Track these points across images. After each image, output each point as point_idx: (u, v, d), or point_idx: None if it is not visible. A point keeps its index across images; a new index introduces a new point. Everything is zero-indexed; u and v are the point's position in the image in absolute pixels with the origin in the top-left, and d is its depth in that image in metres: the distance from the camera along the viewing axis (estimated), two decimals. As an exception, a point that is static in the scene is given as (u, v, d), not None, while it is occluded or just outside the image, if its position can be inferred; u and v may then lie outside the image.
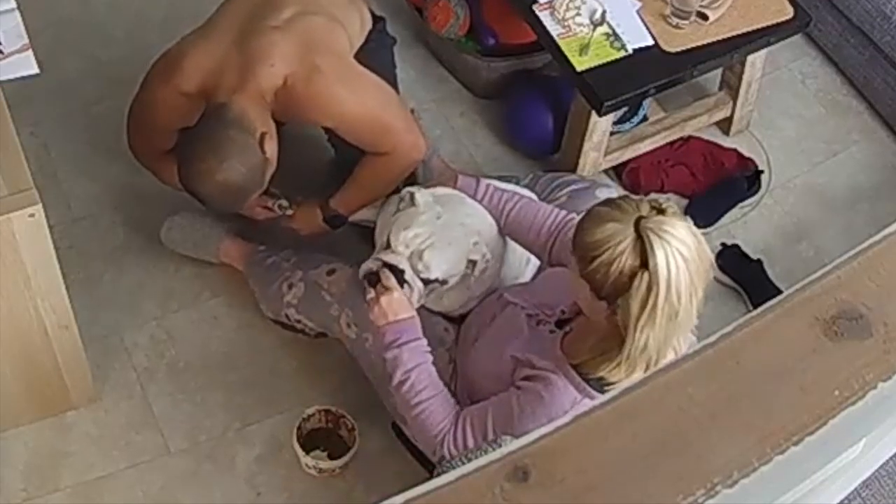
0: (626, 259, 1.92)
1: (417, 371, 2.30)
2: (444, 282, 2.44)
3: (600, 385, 2.07)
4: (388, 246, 2.43)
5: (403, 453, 2.56)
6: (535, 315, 2.27)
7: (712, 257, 2.01)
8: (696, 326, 2.15)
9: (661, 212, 1.96)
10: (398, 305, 2.33)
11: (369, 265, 2.42)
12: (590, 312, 2.07)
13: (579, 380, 2.10)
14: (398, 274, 2.38)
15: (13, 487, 2.56)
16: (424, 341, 2.34)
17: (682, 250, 1.92)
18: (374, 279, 2.37)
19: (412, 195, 2.46)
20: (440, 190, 2.54)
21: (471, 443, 2.21)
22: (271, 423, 2.70)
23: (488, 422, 2.20)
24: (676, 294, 1.92)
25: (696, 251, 1.94)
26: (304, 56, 2.47)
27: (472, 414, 2.25)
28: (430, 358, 2.33)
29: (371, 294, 2.35)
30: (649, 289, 1.91)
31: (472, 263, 2.43)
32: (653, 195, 3.09)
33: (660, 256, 1.90)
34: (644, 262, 1.91)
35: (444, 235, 2.41)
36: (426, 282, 2.41)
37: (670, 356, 2.00)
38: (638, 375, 1.99)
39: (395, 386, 2.31)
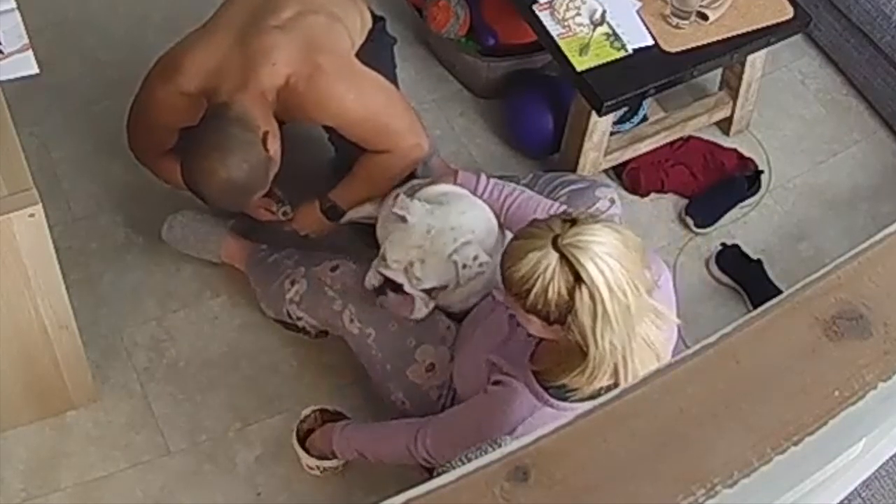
0: (559, 280, 1.91)
1: (361, 448, 2.45)
2: (443, 287, 2.47)
3: (562, 392, 2.06)
4: (385, 259, 2.49)
5: (403, 453, 2.56)
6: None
7: (638, 239, 1.99)
8: (682, 319, 2.16)
9: (573, 222, 1.95)
10: (321, 443, 2.52)
11: (371, 280, 2.51)
12: (548, 336, 2.06)
13: (539, 388, 2.10)
14: (397, 287, 2.46)
15: (13, 487, 2.56)
16: (337, 430, 2.48)
17: (607, 251, 1.91)
18: (380, 291, 2.49)
19: (404, 217, 2.47)
20: (441, 187, 2.55)
21: (431, 445, 2.29)
22: (271, 423, 2.70)
23: (452, 429, 2.26)
24: (621, 291, 1.91)
25: (622, 243, 1.93)
26: (306, 55, 2.47)
27: (434, 423, 2.33)
28: (351, 427, 2.50)
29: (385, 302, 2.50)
30: (592, 299, 1.90)
31: (463, 266, 2.45)
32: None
33: (589, 267, 1.89)
34: (577, 276, 1.90)
35: (434, 246, 2.44)
36: (426, 290, 2.47)
37: (643, 350, 1.99)
38: (604, 380, 1.98)
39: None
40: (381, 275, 2.49)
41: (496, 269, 2.55)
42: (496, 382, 2.19)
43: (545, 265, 1.92)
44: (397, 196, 2.54)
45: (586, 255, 1.90)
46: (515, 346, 2.21)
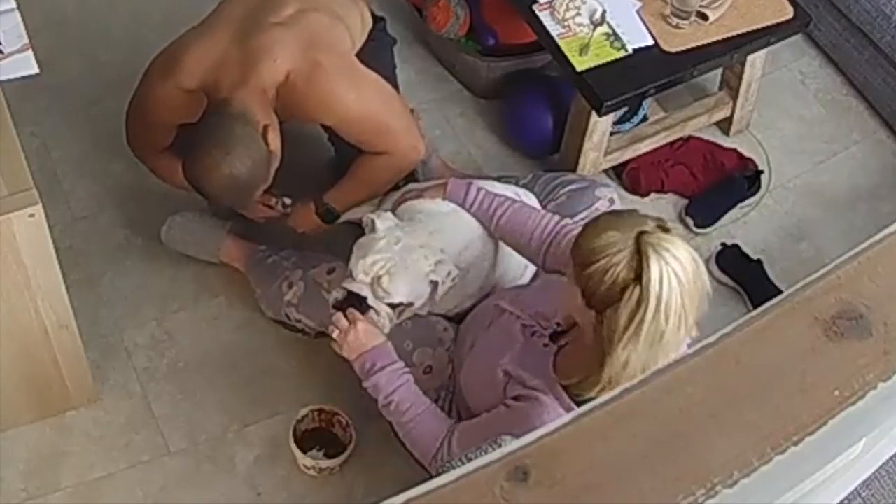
0: (622, 270, 1.90)
1: (398, 393, 2.33)
2: (409, 304, 2.44)
3: None
4: (351, 274, 2.45)
5: (403, 453, 2.56)
6: (531, 326, 2.25)
7: (709, 286, 1.96)
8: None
9: (666, 230, 1.94)
10: (365, 336, 2.36)
11: (335, 294, 2.47)
12: (579, 318, 2.05)
13: (569, 401, 2.09)
14: (361, 300, 2.41)
15: (13, 487, 2.56)
16: (400, 364, 2.36)
17: (678, 271, 1.89)
18: (342, 307, 2.42)
19: (373, 221, 2.46)
20: (421, 204, 2.53)
21: (456, 454, 2.22)
22: (271, 424, 2.70)
23: (477, 441, 2.21)
24: (665, 314, 1.89)
25: (693, 275, 1.91)
26: (306, 52, 2.47)
27: (461, 432, 2.27)
28: (409, 378, 2.36)
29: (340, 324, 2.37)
30: (639, 304, 1.89)
31: (435, 284, 2.43)
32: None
33: (654, 272, 1.87)
34: (638, 276, 1.89)
35: (403, 260, 2.41)
36: (392, 305, 2.42)
37: None
38: None
39: (381, 409, 2.36)
40: (345, 289, 2.44)
41: (491, 272, 2.55)
42: (517, 397, 2.17)
43: (618, 248, 1.90)
44: (364, 221, 2.53)
45: (657, 261, 1.88)
46: (533, 357, 2.19)
